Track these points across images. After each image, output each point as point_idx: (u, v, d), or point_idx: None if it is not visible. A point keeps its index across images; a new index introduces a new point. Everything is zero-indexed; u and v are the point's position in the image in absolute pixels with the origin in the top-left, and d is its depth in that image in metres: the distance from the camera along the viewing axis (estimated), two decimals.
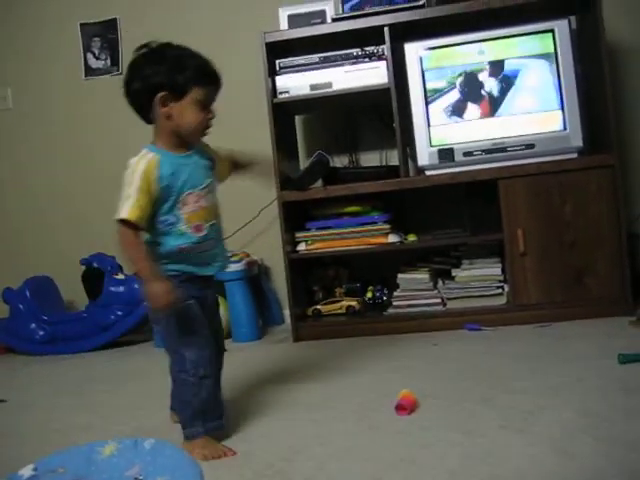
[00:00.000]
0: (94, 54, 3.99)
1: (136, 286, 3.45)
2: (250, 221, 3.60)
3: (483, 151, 3.01)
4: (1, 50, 4.13)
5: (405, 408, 1.87)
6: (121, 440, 1.50)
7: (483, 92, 3.05)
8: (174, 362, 1.95)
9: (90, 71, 4.00)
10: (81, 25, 3.97)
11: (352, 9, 3.24)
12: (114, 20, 3.92)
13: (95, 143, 4.00)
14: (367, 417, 1.91)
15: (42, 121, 4.08)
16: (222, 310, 3.27)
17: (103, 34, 3.96)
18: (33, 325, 3.53)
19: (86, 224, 3.98)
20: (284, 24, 3.36)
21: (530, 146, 2.97)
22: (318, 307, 3.26)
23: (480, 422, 1.75)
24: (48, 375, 2.97)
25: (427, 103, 3.08)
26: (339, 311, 3.25)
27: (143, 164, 1.87)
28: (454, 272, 3.11)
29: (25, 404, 2.51)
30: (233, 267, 3.28)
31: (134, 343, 3.48)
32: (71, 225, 4.01)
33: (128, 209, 1.81)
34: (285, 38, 3.17)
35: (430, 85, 3.08)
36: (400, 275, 3.17)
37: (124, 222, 1.80)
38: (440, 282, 3.14)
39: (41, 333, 3.53)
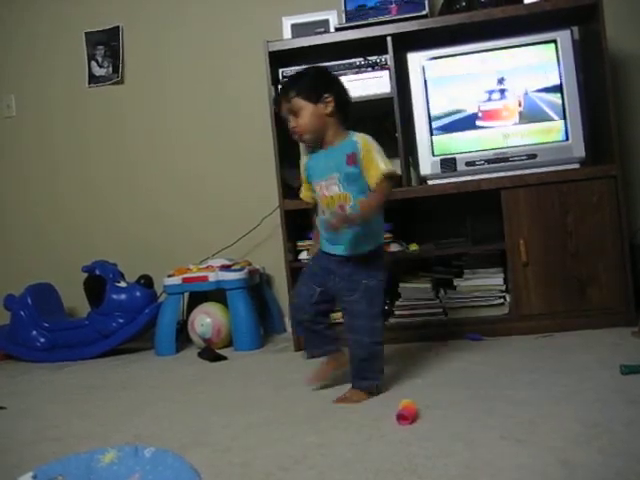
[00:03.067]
0: (97, 62, 4.01)
1: (138, 294, 3.46)
2: (252, 230, 3.60)
3: (485, 161, 3.02)
4: (5, 58, 4.15)
5: (406, 418, 1.86)
6: (121, 448, 1.50)
7: (485, 102, 3.06)
8: (373, 333, 2.22)
9: (94, 79, 4.01)
10: (86, 34, 3.98)
11: (355, 19, 3.24)
12: (117, 28, 3.94)
13: (97, 151, 4.01)
14: (368, 427, 1.90)
15: (45, 129, 4.09)
16: (224, 318, 3.30)
17: (106, 42, 3.98)
18: (34, 332, 3.53)
19: (88, 231, 4.00)
20: (287, 33, 3.38)
21: (532, 156, 2.97)
22: None
23: (481, 432, 1.75)
24: (48, 382, 2.97)
25: (430, 113, 3.08)
26: (340, 320, 3.23)
27: None
28: (456, 282, 3.11)
29: (25, 411, 2.50)
30: (234, 275, 3.29)
31: (135, 351, 3.47)
32: (73, 232, 4.01)
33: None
34: (288, 47, 3.18)
35: (433, 95, 3.08)
36: (402, 284, 3.16)
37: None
38: (442, 292, 3.13)
39: (42, 340, 3.52)
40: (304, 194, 2.43)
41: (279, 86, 2.32)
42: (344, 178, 2.18)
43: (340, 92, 2.26)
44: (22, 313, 3.57)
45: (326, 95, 2.20)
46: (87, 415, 2.36)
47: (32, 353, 3.52)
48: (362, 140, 2.19)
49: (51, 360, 3.45)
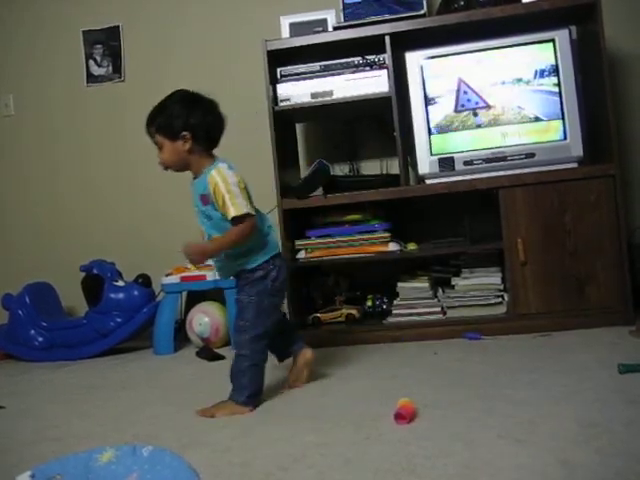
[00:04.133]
0: (96, 61, 4.00)
1: (136, 293, 3.46)
2: None
3: (483, 160, 3.02)
4: (3, 57, 4.14)
5: (404, 417, 1.86)
6: (119, 447, 1.49)
7: (483, 101, 3.06)
8: (238, 345, 2.31)
9: (92, 78, 4.01)
10: (83, 32, 3.98)
11: (353, 18, 3.24)
12: (116, 27, 3.94)
13: (96, 150, 4.01)
14: (366, 426, 1.90)
15: (44, 128, 4.09)
16: (222, 317, 3.29)
17: (105, 41, 3.98)
18: (32, 331, 3.52)
19: (86, 231, 3.99)
20: (286, 32, 3.38)
21: (530, 155, 2.98)
22: (318, 315, 3.26)
23: (480, 432, 1.75)
24: (48, 382, 2.96)
25: (428, 112, 3.08)
26: (339, 319, 3.24)
27: None
28: (454, 281, 3.11)
29: (24, 411, 2.50)
30: None
31: (133, 350, 3.47)
32: (71, 231, 4.01)
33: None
34: (286, 46, 3.18)
35: (431, 94, 3.09)
36: (400, 284, 3.17)
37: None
38: (440, 291, 3.14)
39: (40, 339, 3.52)
40: None
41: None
42: (201, 214, 2.28)
43: (200, 124, 2.24)
44: (20, 312, 3.56)
45: (184, 133, 2.19)
46: (86, 415, 2.36)
47: (30, 352, 3.51)
48: (212, 180, 2.19)
49: (50, 359, 3.44)
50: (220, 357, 3.07)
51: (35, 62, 4.10)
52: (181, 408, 2.30)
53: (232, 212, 2.15)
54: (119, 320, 3.43)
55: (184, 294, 3.55)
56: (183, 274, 3.39)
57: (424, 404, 1.98)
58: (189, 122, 2.21)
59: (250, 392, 2.20)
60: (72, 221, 4.02)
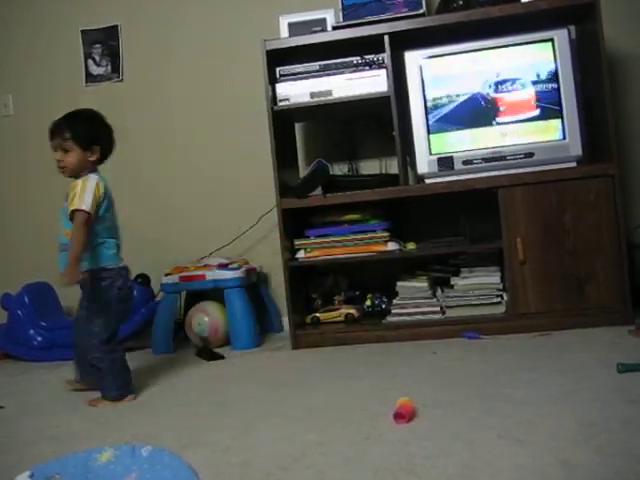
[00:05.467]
0: (95, 60, 4.00)
1: (135, 293, 3.45)
2: (249, 228, 3.60)
3: (483, 159, 3.02)
4: (2, 57, 4.14)
5: (404, 416, 1.86)
6: (119, 447, 1.49)
7: (482, 101, 3.06)
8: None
9: (91, 78, 4.01)
10: (82, 32, 3.98)
11: (352, 17, 3.23)
12: (115, 27, 3.94)
13: None
14: (366, 425, 1.90)
15: (43, 128, 4.05)
16: (221, 317, 3.29)
17: (104, 41, 3.97)
18: (31, 331, 3.52)
19: None
20: (285, 32, 3.37)
21: (529, 155, 2.98)
22: (317, 315, 3.26)
23: (479, 432, 1.75)
24: (46, 381, 2.95)
25: (427, 111, 3.08)
26: (338, 319, 3.24)
27: None
28: (453, 280, 3.11)
29: (23, 410, 2.50)
30: (232, 274, 3.29)
31: (132, 350, 3.46)
32: None
33: None
34: (285, 46, 3.18)
35: (430, 93, 3.09)
36: (399, 283, 3.17)
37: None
38: (439, 290, 3.14)
39: (39, 339, 3.52)
40: None
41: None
42: (63, 212, 2.53)
43: (107, 144, 2.58)
44: (19, 312, 3.56)
45: (94, 146, 2.50)
46: (86, 415, 2.36)
47: (30, 352, 3.51)
48: (74, 184, 2.47)
49: (49, 359, 3.44)
50: (219, 356, 3.07)
51: (34, 62, 4.10)
52: (180, 408, 2.31)
53: (72, 206, 2.42)
54: None
55: (183, 293, 3.54)
56: (182, 274, 3.38)
57: (423, 404, 1.98)
58: (102, 139, 2.55)
59: (118, 386, 2.47)
60: None
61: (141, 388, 2.65)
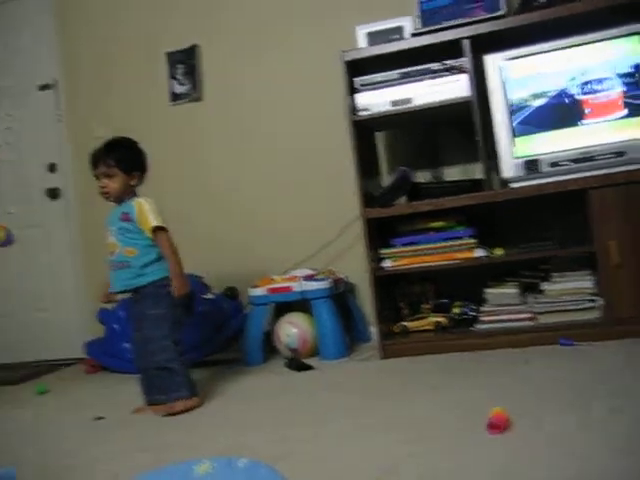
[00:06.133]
0: (178, 80, 4.12)
1: (224, 305, 3.53)
2: (335, 239, 3.62)
3: (570, 161, 2.93)
4: (93, 79, 4.31)
5: (498, 427, 1.83)
6: (216, 459, 1.53)
7: (568, 100, 2.98)
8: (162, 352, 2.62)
9: (175, 97, 4.13)
10: (167, 54, 4.10)
11: (430, 23, 3.21)
12: (195, 47, 4.04)
13: (180, 166, 4.13)
14: (458, 435, 1.88)
15: None
16: (309, 328, 3.31)
17: (185, 60, 4.08)
18: (126, 344, 3.62)
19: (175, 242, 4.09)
20: (363, 42, 3.38)
21: (620, 154, 2.87)
22: (405, 324, 3.24)
23: (582, 444, 1.69)
24: (138, 393, 3.03)
25: (510, 114, 3.03)
26: (426, 327, 3.21)
27: None
28: (543, 286, 3.04)
29: (120, 421, 2.59)
30: (318, 285, 3.31)
31: (223, 362, 3.54)
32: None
33: None
34: (364, 56, 3.19)
35: (512, 96, 3.03)
36: (487, 290, 3.12)
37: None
38: (529, 296, 3.06)
39: (134, 352, 3.62)
40: None
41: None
42: (117, 231, 2.68)
43: (145, 168, 2.76)
44: (115, 326, 3.68)
45: (136, 172, 2.71)
46: (179, 425, 2.42)
47: (124, 365, 3.61)
48: (137, 204, 2.66)
49: None
50: (308, 367, 3.09)
51: (123, 84, 4.25)
52: (271, 418, 2.33)
53: (149, 225, 2.63)
54: (208, 332, 3.50)
55: (271, 305, 3.59)
56: (270, 286, 3.43)
57: (517, 413, 1.93)
58: (142, 165, 2.76)
59: (189, 385, 2.61)
60: None
61: (233, 399, 2.70)
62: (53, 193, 4.44)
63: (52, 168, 4.45)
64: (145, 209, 2.64)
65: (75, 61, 4.38)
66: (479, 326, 3.08)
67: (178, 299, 2.64)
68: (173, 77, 4.13)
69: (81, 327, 4.31)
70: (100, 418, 2.65)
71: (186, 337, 3.46)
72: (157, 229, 2.63)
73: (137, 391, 2.74)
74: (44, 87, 4.46)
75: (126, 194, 2.71)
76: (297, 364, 3.13)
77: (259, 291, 3.44)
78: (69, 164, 4.37)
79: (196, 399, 2.62)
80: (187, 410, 2.56)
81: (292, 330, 3.35)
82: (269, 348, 3.47)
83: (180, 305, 2.68)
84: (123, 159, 2.68)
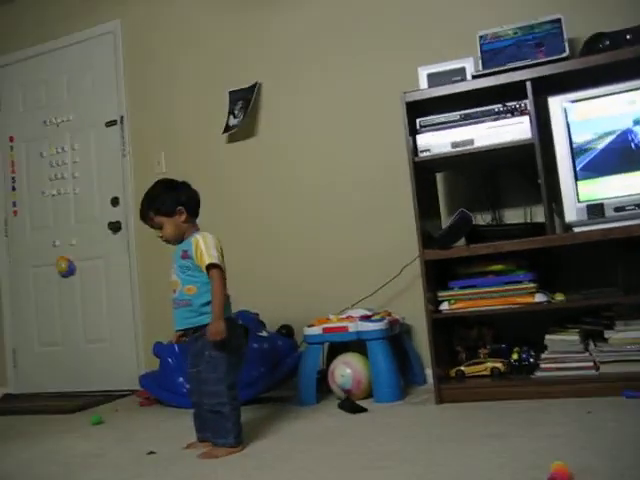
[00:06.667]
0: (234, 114, 4.18)
1: (279, 343, 3.52)
2: (392, 279, 3.59)
3: (636, 205, 2.85)
4: (155, 119, 4.43)
5: None
6: None
7: (633, 143, 2.91)
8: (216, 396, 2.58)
9: (228, 128, 4.19)
10: (230, 92, 4.18)
11: (492, 65, 3.20)
12: (255, 84, 4.11)
13: (238, 202, 4.19)
14: None
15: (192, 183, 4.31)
16: (364, 369, 3.27)
17: (245, 97, 4.15)
18: (180, 379, 3.65)
19: (232, 282, 4.12)
20: (424, 83, 3.38)
21: None
22: (461, 368, 3.18)
23: None
24: (191, 428, 3.02)
25: (573, 157, 2.97)
26: (483, 373, 3.14)
27: None
28: (607, 334, 2.93)
29: (172, 456, 2.59)
30: (374, 326, 3.28)
31: (276, 401, 3.52)
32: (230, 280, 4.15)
33: None
34: (425, 97, 3.19)
35: (576, 139, 2.98)
36: (548, 336, 3.03)
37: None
38: (592, 344, 2.97)
39: (188, 387, 3.63)
40: None
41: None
42: (179, 268, 2.67)
43: (188, 199, 2.72)
44: (169, 360, 3.71)
45: (179, 208, 2.67)
46: (231, 464, 2.40)
47: (177, 399, 3.63)
48: (194, 240, 2.65)
49: None
50: (362, 409, 3.05)
51: (185, 121, 4.35)
52: (324, 460, 2.30)
53: (206, 259, 2.59)
54: (263, 370, 3.50)
55: (326, 345, 3.57)
56: (325, 325, 3.41)
57: (580, 469, 1.85)
58: (181, 198, 2.69)
59: (236, 434, 2.57)
60: None
61: (285, 439, 2.68)
62: (115, 226, 4.54)
63: (115, 202, 4.56)
64: (201, 246, 2.62)
65: (141, 98, 4.52)
66: (539, 373, 2.99)
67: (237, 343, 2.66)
68: (231, 112, 4.20)
69: (137, 359, 4.37)
70: (151, 453, 2.66)
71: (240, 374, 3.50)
72: (211, 266, 2.60)
73: (189, 425, 2.74)
74: (111, 123, 4.60)
75: (184, 232, 2.71)
76: (351, 406, 3.09)
77: (314, 330, 3.42)
78: (131, 198, 4.47)
79: (240, 447, 2.56)
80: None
81: (347, 370, 3.31)
82: (323, 388, 3.44)
83: (238, 348, 2.67)
84: (161, 206, 2.67)
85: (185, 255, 2.66)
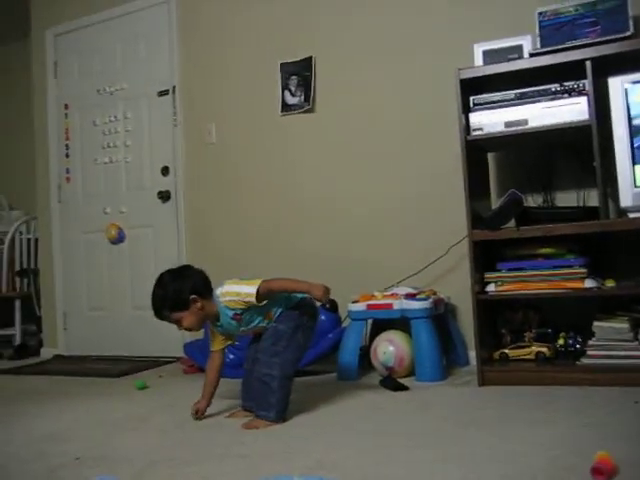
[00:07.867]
0: (291, 92, 4.17)
1: (323, 317, 3.52)
2: (439, 258, 3.56)
3: None
4: (205, 88, 4.44)
5: (602, 473, 1.72)
6: (307, 477, 1.52)
7: None
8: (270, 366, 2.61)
9: (286, 107, 4.18)
10: (281, 65, 4.17)
11: (550, 43, 3.11)
12: (309, 59, 4.08)
13: (290, 176, 4.19)
14: (558, 477, 1.78)
15: (242, 155, 4.33)
16: (407, 347, 3.26)
17: (299, 72, 4.13)
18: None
19: (275, 255, 4.14)
20: (479, 60, 3.31)
21: None
22: (505, 351, 3.14)
23: None
24: (234, 396, 3.05)
25: (632, 140, 2.89)
26: (528, 357, 3.10)
27: None
28: None
29: (216, 424, 2.64)
30: (419, 305, 3.26)
31: (318, 373, 3.54)
32: (264, 257, 4.18)
33: None
34: (480, 74, 3.13)
35: (636, 121, 2.89)
36: (596, 323, 2.97)
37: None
38: None
39: (231, 357, 3.67)
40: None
41: None
42: (245, 325, 2.66)
43: (197, 283, 2.63)
44: None
45: (192, 297, 2.58)
46: (272, 434, 2.42)
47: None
48: (225, 304, 2.60)
49: (237, 376, 3.56)
50: (404, 387, 3.04)
51: (236, 93, 4.36)
52: (362, 436, 2.30)
53: (252, 291, 2.55)
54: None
55: (369, 321, 3.56)
56: (369, 302, 3.40)
57: (625, 461, 1.80)
58: (189, 288, 2.60)
59: (280, 409, 2.57)
60: (265, 246, 4.22)
61: (325, 413, 2.69)
62: (164, 195, 4.59)
63: (165, 171, 4.61)
64: (235, 297, 2.59)
65: (192, 69, 4.54)
66: (585, 360, 2.94)
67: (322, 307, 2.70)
68: (286, 88, 4.19)
69: None
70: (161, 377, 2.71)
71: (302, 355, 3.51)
72: (258, 290, 2.55)
73: (232, 395, 2.77)
74: (163, 93, 4.63)
75: (206, 315, 2.66)
76: (392, 383, 3.09)
77: (359, 306, 3.42)
78: (181, 168, 4.52)
79: (279, 424, 2.54)
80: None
81: (389, 348, 3.31)
82: (365, 364, 3.44)
83: (305, 329, 2.70)
84: (173, 304, 2.60)
85: (238, 317, 2.64)
